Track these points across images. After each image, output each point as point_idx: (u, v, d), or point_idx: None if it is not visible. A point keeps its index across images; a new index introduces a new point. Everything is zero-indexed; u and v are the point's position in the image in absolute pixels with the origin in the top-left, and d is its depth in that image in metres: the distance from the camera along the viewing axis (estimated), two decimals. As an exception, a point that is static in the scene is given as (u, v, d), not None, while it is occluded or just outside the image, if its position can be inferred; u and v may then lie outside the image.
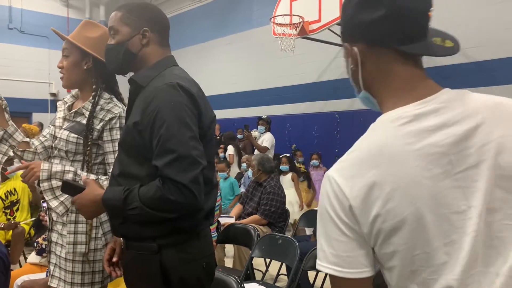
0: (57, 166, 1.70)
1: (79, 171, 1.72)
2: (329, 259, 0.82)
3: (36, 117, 10.69)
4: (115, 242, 1.59)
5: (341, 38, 0.94)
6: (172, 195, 1.26)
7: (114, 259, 1.56)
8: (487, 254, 0.76)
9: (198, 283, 1.41)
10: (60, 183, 1.67)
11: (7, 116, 1.88)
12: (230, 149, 7.23)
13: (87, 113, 1.77)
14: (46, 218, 2.38)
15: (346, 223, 0.81)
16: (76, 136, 1.74)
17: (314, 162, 6.51)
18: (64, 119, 1.84)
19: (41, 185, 1.70)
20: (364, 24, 0.85)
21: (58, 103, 1.93)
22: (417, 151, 0.78)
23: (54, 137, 1.81)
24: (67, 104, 1.90)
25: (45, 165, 1.68)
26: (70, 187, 1.49)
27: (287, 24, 5.65)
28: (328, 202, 0.83)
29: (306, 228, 4.59)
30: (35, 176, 1.67)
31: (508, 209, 0.76)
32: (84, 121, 1.76)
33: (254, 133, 6.92)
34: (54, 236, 1.80)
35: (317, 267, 0.84)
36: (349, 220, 0.81)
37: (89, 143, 1.74)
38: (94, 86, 1.80)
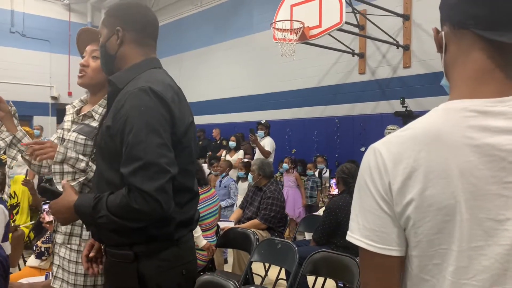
0: (71, 153, 1.71)
1: (90, 163, 1.73)
2: (362, 232, 0.81)
3: (37, 120, 10.72)
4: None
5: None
6: (137, 203, 1.22)
7: (91, 255, 1.53)
8: None
9: None
10: (71, 170, 1.69)
11: (15, 121, 1.90)
12: (240, 153, 7.23)
13: (96, 116, 1.79)
14: (47, 219, 2.39)
15: (384, 198, 0.79)
16: (85, 137, 1.76)
17: (285, 166, 6.40)
18: (73, 122, 1.86)
19: (52, 167, 1.71)
20: (451, 4, 0.82)
21: (67, 107, 1.95)
22: (474, 147, 0.75)
23: (63, 139, 1.83)
24: (76, 108, 1.91)
25: (61, 148, 1.69)
26: (48, 192, 1.50)
27: (287, 30, 5.67)
28: (369, 174, 0.81)
29: (305, 233, 4.59)
30: (49, 155, 1.67)
31: None
32: (93, 124, 1.78)
33: (254, 138, 6.94)
34: (58, 238, 1.81)
35: (348, 238, 0.83)
36: (387, 196, 0.79)
37: None
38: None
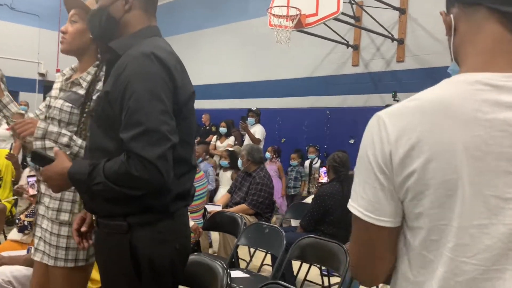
0: (53, 127, 1.67)
1: (74, 137, 1.68)
2: (358, 201, 0.81)
3: (23, 96, 10.49)
4: (86, 212, 1.53)
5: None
6: (136, 170, 1.19)
7: (83, 229, 1.50)
8: None
9: (170, 265, 1.36)
10: (53, 145, 1.64)
11: (3, 86, 1.85)
12: (231, 140, 7.17)
13: (84, 83, 1.73)
14: (30, 192, 2.33)
15: (383, 170, 0.78)
16: (71, 105, 1.71)
17: (267, 155, 6.27)
18: (61, 89, 1.80)
19: (34, 143, 1.66)
20: None
21: (57, 75, 1.90)
22: (485, 122, 0.72)
23: (49, 107, 1.77)
24: (65, 76, 1.85)
25: (41, 124, 1.65)
26: (40, 158, 1.45)
27: (283, 16, 5.62)
28: (371, 143, 0.80)
29: (292, 220, 4.60)
30: (29, 131, 1.63)
31: None
32: (80, 91, 1.73)
33: (244, 125, 6.91)
34: (41, 209, 1.76)
35: (348, 206, 0.84)
36: (386, 168, 0.77)
37: (86, 112, 1.70)
38: (99, 56, 1.77)
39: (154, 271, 1.32)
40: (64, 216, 1.69)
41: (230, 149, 6.01)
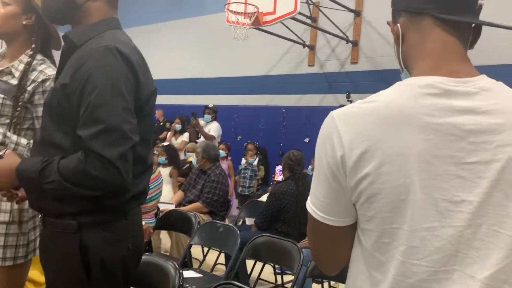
0: None
1: (8, 133, 1.56)
2: (312, 200, 0.84)
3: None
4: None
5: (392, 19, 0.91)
6: (95, 170, 1.14)
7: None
8: (467, 254, 0.73)
9: (122, 265, 1.31)
10: None
11: None
12: (185, 136, 7.00)
13: (16, 73, 1.60)
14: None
15: (334, 173, 0.78)
16: (2, 96, 1.57)
17: (222, 153, 5.91)
18: None
19: None
20: None
21: None
22: (436, 125, 0.73)
23: None
24: None
25: None
26: None
27: (241, 13, 5.59)
28: (323, 147, 0.80)
29: (246, 218, 4.58)
30: None
31: (502, 216, 0.73)
32: (12, 81, 1.59)
33: (200, 121, 6.80)
34: None
35: (306, 203, 0.86)
36: (337, 170, 0.78)
37: (20, 104, 1.58)
38: (33, 45, 1.64)
39: (106, 272, 1.27)
40: (4, 217, 1.57)
41: (165, 144, 5.66)
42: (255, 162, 6.36)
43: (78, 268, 1.23)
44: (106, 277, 1.27)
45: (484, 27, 0.84)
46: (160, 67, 9.33)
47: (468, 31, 0.83)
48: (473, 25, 0.83)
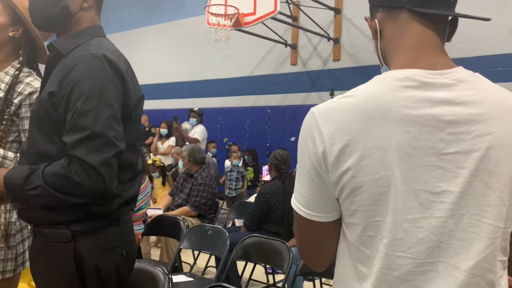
0: None
1: None
2: (296, 196, 0.84)
3: None
4: None
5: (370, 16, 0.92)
6: (78, 176, 1.13)
7: None
8: (451, 245, 0.74)
9: (116, 272, 1.30)
10: None
11: None
12: (172, 140, 6.95)
13: (2, 85, 1.58)
14: None
15: (315, 167, 0.78)
16: None
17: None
18: None
19: None
20: None
21: None
22: (415, 117, 0.74)
23: None
24: None
25: None
26: None
27: (222, 15, 5.58)
28: (304, 143, 0.80)
29: (236, 220, 4.58)
30: None
31: (483, 206, 0.74)
32: None
33: (186, 125, 6.76)
34: None
35: (291, 200, 0.86)
36: (319, 165, 0.78)
37: (6, 117, 1.55)
38: (20, 58, 1.62)
39: (101, 280, 1.26)
40: None
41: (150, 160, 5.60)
42: (240, 163, 6.32)
43: (73, 277, 1.22)
44: (101, 285, 1.26)
45: (461, 19, 0.84)
46: (143, 72, 9.25)
47: (444, 24, 0.83)
48: (450, 18, 0.84)
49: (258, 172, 6.68)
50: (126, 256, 1.34)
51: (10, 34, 1.60)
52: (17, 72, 1.59)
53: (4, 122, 1.56)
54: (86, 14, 1.34)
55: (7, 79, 1.59)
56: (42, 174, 1.16)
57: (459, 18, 0.84)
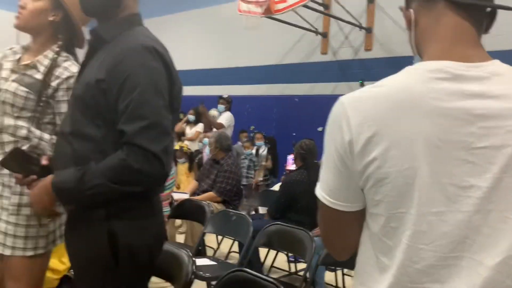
0: (9, 120, 1.57)
1: (32, 128, 1.59)
2: (322, 185, 0.84)
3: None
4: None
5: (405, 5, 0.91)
6: (137, 163, 1.20)
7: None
8: (476, 240, 0.73)
9: (148, 251, 1.34)
10: (11, 139, 1.55)
11: None
12: (200, 126, 7.02)
13: (41, 68, 1.63)
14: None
15: (342, 158, 0.79)
16: (26, 90, 1.61)
17: (205, 140, 5.82)
18: (12, 71, 1.69)
19: None
20: None
21: (5, 52, 1.75)
22: (445, 110, 0.73)
23: None
24: (17, 55, 1.74)
25: None
26: (23, 158, 1.35)
27: (253, 2, 5.56)
28: (331, 132, 0.81)
29: (260, 207, 4.61)
30: None
31: None
32: (37, 76, 1.62)
33: (213, 112, 6.81)
34: None
35: (316, 189, 0.86)
36: (345, 155, 0.78)
37: (43, 99, 1.61)
38: (59, 42, 1.67)
39: (134, 259, 1.30)
40: (26, 211, 1.62)
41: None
42: (254, 151, 6.28)
43: (107, 255, 1.27)
44: (134, 264, 1.30)
45: (501, 11, 0.82)
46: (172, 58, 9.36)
47: (482, 15, 0.81)
48: (488, 9, 0.82)
49: (276, 161, 6.61)
50: (157, 236, 1.38)
51: (50, 19, 1.65)
52: (55, 56, 1.65)
53: (41, 104, 1.61)
54: (129, 2, 1.39)
55: (46, 62, 1.64)
56: (99, 171, 1.22)
57: (499, 10, 0.82)
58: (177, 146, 5.19)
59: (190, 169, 5.39)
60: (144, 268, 1.35)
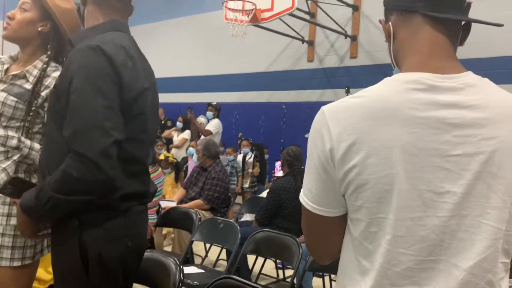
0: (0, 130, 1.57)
1: (22, 138, 1.59)
2: (304, 191, 0.87)
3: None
4: None
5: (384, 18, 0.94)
6: (77, 171, 1.15)
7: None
8: (452, 244, 0.76)
9: (120, 262, 1.33)
10: (2, 149, 1.54)
11: None
12: (186, 133, 7.01)
13: (30, 78, 1.64)
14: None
15: (324, 166, 0.81)
16: (15, 99, 1.61)
17: (190, 150, 5.70)
18: (0, 80, 1.69)
19: None
20: None
21: None
22: (421, 119, 0.76)
23: None
24: (4, 66, 1.74)
25: None
26: (20, 185, 1.35)
27: (239, 10, 5.61)
28: (313, 138, 0.84)
29: (247, 214, 4.62)
30: None
31: (485, 207, 0.76)
32: (26, 86, 1.63)
33: (201, 119, 6.81)
34: None
35: (300, 195, 0.89)
36: (326, 162, 0.81)
37: (33, 109, 1.62)
38: (48, 52, 1.68)
39: (104, 268, 1.29)
40: (14, 221, 1.61)
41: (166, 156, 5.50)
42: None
43: (78, 264, 1.26)
44: (104, 273, 1.29)
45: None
46: (160, 65, 9.33)
47: (457, 28, 0.85)
48: (463, 22, 0.86)
49: (264, 168, 6.65)
50: (132, 247, 1.35)
51: (39, 29, 1.66)
52: (45, 66, 1.65)
53: (31, 114, 1.62)
54: (88, 8, 1.41)
55: (35, 72, 1.65)
56: (48, 186, 1.20)
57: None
58: (161, 156, 5.10)
59: (177, 179, 5.30)
60: (116, 279, 1.33)
